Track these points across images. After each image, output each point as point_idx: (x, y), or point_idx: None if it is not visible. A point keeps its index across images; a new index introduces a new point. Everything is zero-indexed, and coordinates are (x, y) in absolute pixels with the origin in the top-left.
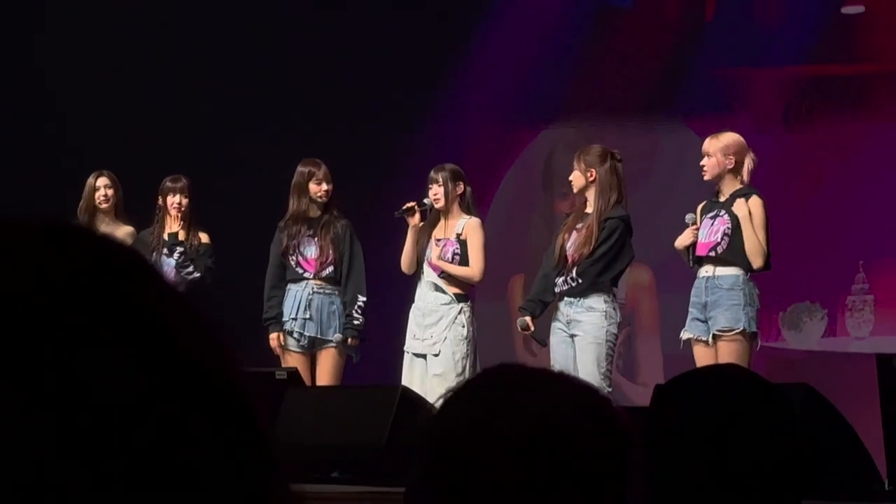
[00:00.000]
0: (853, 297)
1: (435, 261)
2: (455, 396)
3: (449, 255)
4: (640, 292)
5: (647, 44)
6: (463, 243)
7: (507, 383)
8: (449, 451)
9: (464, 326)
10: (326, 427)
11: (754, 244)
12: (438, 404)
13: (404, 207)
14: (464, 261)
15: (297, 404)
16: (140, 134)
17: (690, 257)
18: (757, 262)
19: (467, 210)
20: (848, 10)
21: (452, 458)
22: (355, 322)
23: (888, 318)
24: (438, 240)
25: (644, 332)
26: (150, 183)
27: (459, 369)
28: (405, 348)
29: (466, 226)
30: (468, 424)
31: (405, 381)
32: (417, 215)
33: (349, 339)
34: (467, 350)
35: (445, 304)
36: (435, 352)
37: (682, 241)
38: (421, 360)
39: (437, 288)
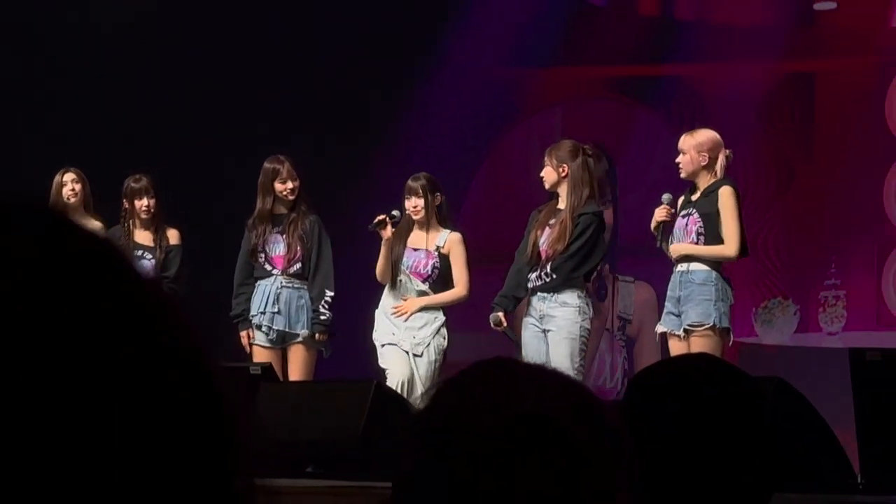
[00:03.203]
0: (825, 292)
1: (415, 304)
2: (447, 387)
3: (428, 269)
4: (644, 311)
5: (620, 41)
6: (444, 257)
7: (498, 377)
8: (439, 441)
9: (444, 339)
10: (301, 422)
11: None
12: (429, 395)
13: (376, 221)
14: (441, 274)
15: (272, 399)
16: (138, 133)
17: (660, 236)
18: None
19: (443, 221)
20: (820, 6)
21: (443, 449)
22: (322, 317)
23: (860, 314)
24: (416, 249)
25: (649, 350)
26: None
27: (433, 378)
28: (376, 339)
29: (449, 240)
30: (459, 416)
31: (387, 367)
32: (389, 228)
33: (316, 335)
34: (442, 362)
35: (430, 312)
36: (418, 352)
37: (656, 218)
38: (400, 351)
39: (424, 296)
